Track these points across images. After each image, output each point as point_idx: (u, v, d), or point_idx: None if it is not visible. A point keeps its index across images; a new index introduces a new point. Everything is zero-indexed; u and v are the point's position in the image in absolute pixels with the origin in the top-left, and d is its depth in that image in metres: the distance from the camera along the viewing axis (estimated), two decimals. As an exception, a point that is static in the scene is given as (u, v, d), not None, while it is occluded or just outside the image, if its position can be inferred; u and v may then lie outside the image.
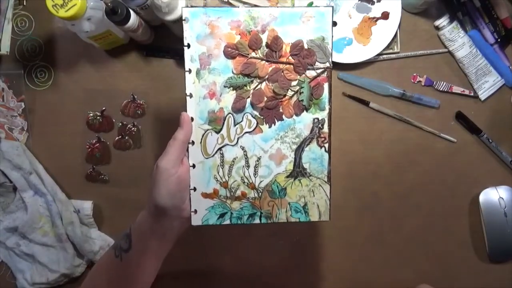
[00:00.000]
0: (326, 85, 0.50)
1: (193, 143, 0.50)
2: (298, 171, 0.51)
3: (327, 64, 0.50)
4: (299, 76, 0.50)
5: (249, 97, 0.50)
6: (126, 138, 0.73)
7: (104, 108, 0.72)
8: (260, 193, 0.51)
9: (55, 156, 0.73)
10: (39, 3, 0.71)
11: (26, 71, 0.72)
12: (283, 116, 0.50)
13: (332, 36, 0.49)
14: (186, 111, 0.50)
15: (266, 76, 0.49)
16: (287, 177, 0.51)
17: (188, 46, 0.49)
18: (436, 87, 0.71)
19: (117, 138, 0.73)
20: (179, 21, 0.63)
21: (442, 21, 0.70)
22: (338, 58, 0.69)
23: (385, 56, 0.71)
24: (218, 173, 0.51)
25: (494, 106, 0.72)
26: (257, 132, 0.50)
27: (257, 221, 0.51)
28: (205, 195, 0.51)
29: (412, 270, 0.73)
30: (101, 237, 0.72)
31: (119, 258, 0.51)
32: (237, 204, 0.51)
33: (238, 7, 0.68)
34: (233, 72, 0.49)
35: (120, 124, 0.73)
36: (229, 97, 0.49)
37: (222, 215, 0.51)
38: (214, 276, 0.74)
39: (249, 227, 0.72)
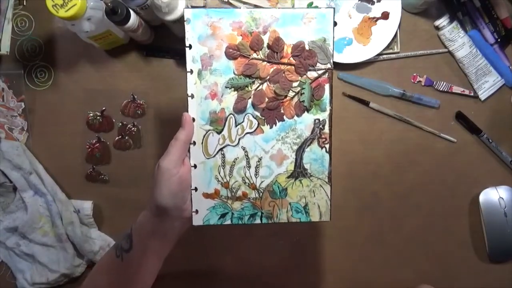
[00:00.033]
0: (327, 86, 0.50)
1: (194, 143, 0.50)
2: (299, 172, 0.51)
3: (328, 65, 0.50)
4: (300, 77, 0.50)
5: (250, 97, 0.50)
6: (126, 138, 0.73)
7: (104, 108, 0.72)
8: (261, 194, 0.51)
9: (55, 156, 0.73)
10: (39, 3, 0.71)
11: (26, 71, 0.72)
12: (284, 117, 0.50)
13: (334, 38, 0.50)
14: (187, 111, 0.50)
15: (268, 77, 0.50)
16: (288, 177, 0.51)
17: (190, 47, 0.49)
18: (436, 87, 0.72)
19: (117, 138, 0.73)
20: (179, 21, 0.63)
21: (442, 21, 0.70)
22: (338, 58, 0.69)
23: (385, 56, 0.71)
24: (219, 173, 0.51)
25: (494, 106, 0.72)
26: (258, 133, 0.51)
27: (258, 221, 0.52)
28: (206, 195, 0.51)
29: (412, 270, 0.73)
30: (101, 237, 0.72)
31: (120, 258, 0.51)
32: (238, 204, 0.51)
33: (238, 7, 0.68)
34: (234, 73, 0.49)
35: (120, 124, 0.73)
36: (231, 97, 0.50)
37: (223, 215, 0.51)
38: (215, 276, 0.74)
39: (250, 227, 0.72)
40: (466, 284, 0.73)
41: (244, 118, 0.50)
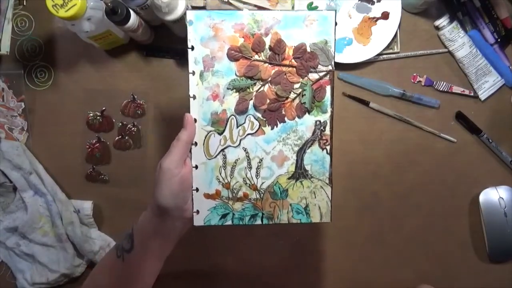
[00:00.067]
0: (328, 88, 0.50)
1: (196, 144, 0.50)
2: (299, 173, 0.51)
3: (330, 67, 0.50)
4: (301, 79, 0.50)
5: (252, 99, 0.50)
6: (126, 138, 0.73)
7: (104, 108, 0.72)
8: (262, 194, 0.52)
9: (55, 156, 0.73)
10: (39, 3, 0.71)
11: (26, 71, 0.72)
12: (286, 118, 0.51)
13: (335, 40, 0.50)
14: (189, 112, 0.50)
15: (269, 79, 0.50)
16: (289, 178, 0.52)
17: (192, 48, 0.49)
18: (436, 87, 0.72)
19: (117, 138, 0.73)
20: (179, 21, 0.63)
21: (442, 21, 0.70)
22: (338, 58, 0.69)
23: (385, 56, 0.71)
24: (220, 174, 0.51)
25: (494, 106, 0.72)
26: (259, 134, 0.51)
27: (258, 222, 0.52)
28: (207, 196, 0.51)
29: (412, 270, 0.73)
30: (101, 237, 0.72)
31: (121, 259, 0.51)
32: (239, 205, 0.52)
33: (238, 7, 0.68)
34: (236, 75, 0.50)
35: (120, 124, 0.73)
36: (232, 99, 0.50)
37: (224, 216, 0.52)
38: (216, 276, 0.74)
39: (250, 228, 0.72)
40: (466, 284, 0.73)
41: (245, 119, 0.50)
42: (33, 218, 0.70)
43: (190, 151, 0.50)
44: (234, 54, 0.49)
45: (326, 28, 0.49)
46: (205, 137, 0.50)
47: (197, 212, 0.51)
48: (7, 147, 0.69)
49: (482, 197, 0.72)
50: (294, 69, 0.50)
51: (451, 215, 0.73)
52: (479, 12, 0.70)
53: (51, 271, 0.70)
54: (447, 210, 0.73)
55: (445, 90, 0.71)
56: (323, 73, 0.50)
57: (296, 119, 0.51)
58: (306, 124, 0.51)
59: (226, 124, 0.50)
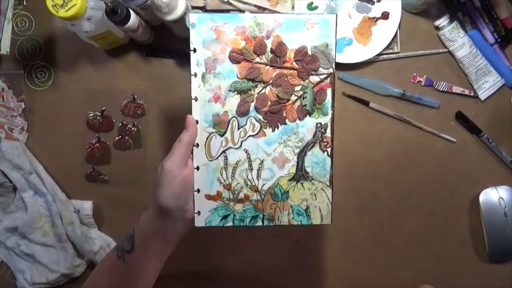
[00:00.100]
0: (329, 91, 0.51)
1: (197, 145, 0.51)
2: (300, 175, 0.52)
3: (331, 70, 0.50)
4: (302, 82, 0.50)
5: (253, 101, 0.50)
6: (126, 138, 0.73)
7: (104, 108, 0.72)
8: (263, 196, 0.52)
9: (55, 156, 0.73)
10: (39, 3, 0.71)
11: (26, 71, 0.72)
12: (287, 120, 0.51)
13: (336, 43, 0.50)
14: (189, 112, 0.50)
15: (270, 81, 0.50)
16: (290, 180, 0.52)
17: (194, 50, 0.50)
18: (436, 87, 0.72)
19: (117, 138, 0.73)
20: (179, 21, 0.63)
21: (442, 21, 0.70)
22: (338, 58, 0.69)
23: (385, 56, 0.71)
24: (221, 175, 0.51)
25: (494, 106, 0.72)
26: (260, 136, 0.51)
27: (259, 223, 0.52)
28: (209, 197, 0.51)
29: (412, 270, 0.73)
30: (101, 237, 0.72)
31: (121, 259, 0.51)
32: (240, 206, 0.52)
33: (238, 7, 0.68)
34: (237, 77, 0.50)
35: (120, 124, 0.73)
36: (234, 101, 0.50)
37: (225, 217, 0.52)
38: (216, 276, 0.74)
39: (251, 228, 0.71)
40: (466, 284, 0.73)
41: (246, 121, 0.51)
42: (33, 218, 0.70)
43: (192, 153, 0.50)
44: (236, 57, 0.50)
45: (327, 32, 0.50)
46: (207, 139, 0.51)
47: (198, 213, 0.51)
48: (7, 147, 0.69)
49: (482, 197, 0.72)
50: (295, 71, 0.50)
51: (451, 215, 0.73)
52: (479, 12, 0.70)
53: (51, 271, 0.70)
54: (447, 210, 0.73)
55: (445, 90, 0.71)
56: (324, 75, 0.50)
57: (297, 121, 0.51)
58: (307, 126, 0.51)
59: (228, 125, 0.51)
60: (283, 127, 0.51)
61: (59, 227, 0.70)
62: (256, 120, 0.51)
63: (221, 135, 0.51)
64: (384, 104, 0.72)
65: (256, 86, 0.50)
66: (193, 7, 0.68)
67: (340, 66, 0.70)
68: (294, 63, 0.50)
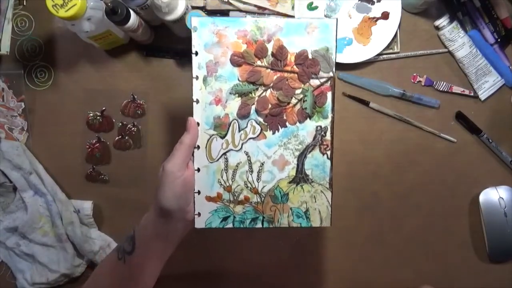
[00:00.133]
0: (329, 94, 0.51)
1: (198, 147, 0.51)
2: (300, 177, 0.52)
3: (331, 74, 0.51)
4: (303, 85, 0.51)
5: (254, 104, 0.51)
6: (126, 138, 0.73)
7: (104, 108, 0.72)
8: (263, 198, 0.52)
9: (55, 156, 0.73)
10: (39, 3, 0.71)
11: (26, 71, 0.72)
12: (287, 123, 0.51)
13: (336, 47, 0.50)
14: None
15: (271, 84, 0.51)
16: (290, 182, 0.52)
17: (196, 54, 0.50)
18: (436, 87, 0.72)
19: (117, 138, 0.73)
20: (179, 21, 0.63)
21: (442, 21, 0.70)
22: (338, 58, 0.68)
23: (385, 56, 0.71)
24: (222, 177, 0.51)
25: (494, 106, 0.72)
26: (261, 138, 0.51)
27: (259, 225, 0.52)
28: (209, 199, 0.52)
29: (412, 270, 0.73)
30: (101, 237, 0.72)
31: (122, 261, 0.51)
32: (240, 208, 0.52)
33: (238, 7, 0.68)
34: (239, 80, 0.50)
35: (120, 124, 0.73)
36: (235, 103, 0.51)
37: (225, 219, 0.52)
38: (216, 276, 0.74)
39: (251, 229, 0.71)
40: (466, 284, 0.73)
41: (247, 124, 0.51)
42: (33, 218, 0.70)
43: (193, 154, 0.51)
44: (237, 60, 0.50)
45: (328, 36, 0.50)
46: (208, 141, 0.51)
47: (199, 214, 0.51)
48: (7, 147, 0.69)
49: (482, 197, 0.72)
50: (296, 75, 0.51)
51: (451, 215, 0.73)
52: (479, 12, 0.70)
53: (51, 271, 0.70)
54: (447, 210, 0.73)
55: (445, 90, 0.71)
56: (324, 79, 0.51)
57: (297, 124, 0.51)
58: (307, 129, 0.51)
59: (228, 128, 0.51)
60: (283, 130, 0.51)
61: (59, 227, 0.70)
62: (256, 122, 0.51)
63: (222, 137, 0.51)
64: (384, 104, 0.72)
65: (257, 89, 0.50)
66: (193, 7, 0.68)
67: (340, 66, 0.70)
68: (294, 66, 0.50)
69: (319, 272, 0.74)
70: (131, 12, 0.62)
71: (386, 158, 0.72)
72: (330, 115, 0.51)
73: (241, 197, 0.52)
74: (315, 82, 0.51)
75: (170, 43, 0.72)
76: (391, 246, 0.73)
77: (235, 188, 0.52)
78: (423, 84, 0.72)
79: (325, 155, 0.52)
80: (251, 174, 0.52)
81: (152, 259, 0.51)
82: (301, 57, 0.50)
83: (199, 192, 0.51)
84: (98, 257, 0.71)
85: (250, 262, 0.73)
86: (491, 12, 0.70)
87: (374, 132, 0.72)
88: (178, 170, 0.48)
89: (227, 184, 0.52)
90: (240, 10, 0.69)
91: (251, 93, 0.50)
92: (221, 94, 0.50)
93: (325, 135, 0.51)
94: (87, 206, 0.72)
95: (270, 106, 0.51)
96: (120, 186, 0.73)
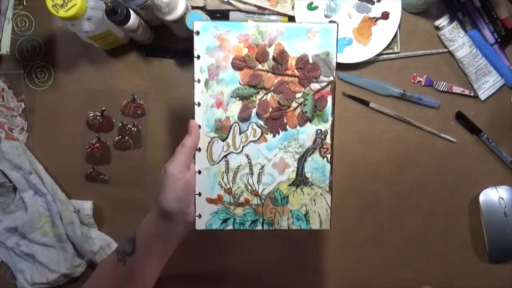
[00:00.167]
0: (329, 98, 0.51)
1: (199, 150, 0.51)
2: (300, 180, 0.52)
3: (331, 78, 0.51)
4: (303, 89, 0.51)
5: (254, 107, 0.51)
6: (126, 138, 0.73)
7: (104, 108, 0.72)
8: (263, 200, 0.52)
9: (55, 156, 0.73)
10: (39, 3, 0.71)
11: (26, 71, 0.72)
12: (287, 127, 0.52)
13: (337, 51, 0.51)
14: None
15: (272, 88, 0.51)
16: (290, 185, 0.52)
17: (198, 57, 0.51)
18: (436, 87, 0.72)
19: (117, 138, 0.73)
20: (179, 21, 0.63)
21: (442, 21, 0.70)
22: (338, 58, 0.69)
23: (385, 56, 0.71)
24: (222, 179, 0.52)
25: (494, 106, 0.72)
26: (261, 141, 0.52)
27: (259, 227, 0.53)
28: (210, 201, 0.52)
29: (412, 270, 0.73)
30: (101, 237, 0.72)
31: (122, 262, 0.52)
32: (240, 210, 0.52)
33: (238, 7, 0.68)
34: (240, 83, 0.51)
35: (120, 124, 0.73)
36: (236, 106, 0.51)
37: (225, 220, 0.52)
38: (216, 276, 0.74)
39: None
40: (466, 284, 0.73)
41: (248, 127, 0.51)
42: (33, 218, 0.70)
43: (194, 157, 0.51)
44: (239, 64, 0.50)
45: (328, 40, 0.51)
46: (209, 143, 0.51)
47: (199, 216, 0.52)
48: (7, 147, 0.69)
49: (482, 197, 0.72)
50: (297, 79, 0.51)
51: (451, 215, 0.73)
52: (479, 12, 0.70)
53: (51, 271, 0.70)
54: (447, 210, 0.73)
55: (445, 90, 0.71)
56: (325, 83, 0.51)
57: (298, 127, 0.52)
58: (307, 133, 0.52)
59: (229, 131, 0.51)
60: (283, 133, 0.52)
61: (59, 227, 0.70)
62: (257, 125, 0.51)
63: (223, 140, 0.51)
64: (384, 104, 0.72)
65: (258, 92, 0.51)
66: (193, 7, 0.68)
67: (340, 66, 0.70)
68: (295, 70, 0.51)
69: (319, 272, 0.74)
70: (131, 12, 0.62)
71: (386, 158, 0.72)
72: (330, 118, 0.52)
73: (242, 199, 0.52)
74: (315, 86, 0.51)
75: (170, 43, 0.72)
76: (391, 246, 0.73)
77: (236, 190, 0.52)
78: (423, 84, 0.72)
79: (325, 159, 0.52)
80: (251, 177, 0.52)
81: (152, 259, 0.52)
82: (302, 61, 0.51)
83: (200, 194, 0.52)
84: (98, 257, 0.71)
85: (250, 262, 0.73)
86: (491, 12, 0.70)
87: (374, 132, 0.72)
88: (179, 172, 0.48)
89: (228, 186, 0.52)
90: (240, 10, 0.69)
91: (252, 97, 0.51)
92: (223, 97, 0.51)
93: (325, 138, 0.52)
94: (87, 206, 0.72)
95: (270, 109, 0.51)
96: (120, 186, 0.73)
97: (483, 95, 0.72)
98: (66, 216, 0.69)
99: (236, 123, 0.51)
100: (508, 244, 0.72)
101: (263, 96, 0.51)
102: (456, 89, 0.71)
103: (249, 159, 0.52)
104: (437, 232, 0.73)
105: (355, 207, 0.73)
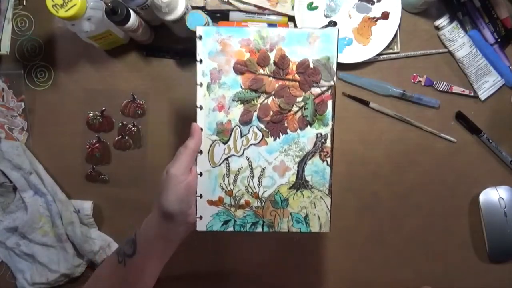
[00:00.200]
0: (330, 102, 0.52)
1: (201, 152, 0.52)
2: (300, 183, 0.53)
3: (331, 83, 0.52)
4: (304, 93, 0.52)
5: (256, 111, 0.52)
6: (126, 138, 0.73)
7: (104, 108, 0.72)
8: (263, 203, 0.53)
9: (55, 156, 0.73)
10: (39, 3, 0.71)
11: (26, 71, 0.72)
12: (288, 130, 0.52)
13: (337, 56, 0.51)
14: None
15: (273, 92, 0.52)
16: (290, 188, 0.53)
17: (201, 61, 0.51)
18: (436, 87, 0.72)
19: (117, 138, 0.73)
20: (179, 21, 0.63)
21: (442, 21, 0.70)
22: (338, 58, 0.69)
23: (385, 56, 0.71)
24: (223, 181, 0.52)
25: (494, 106, 0.72)
26: (262, 144, 0.52)
27: (259, 229, 0.53)
28: (211, 202, 0.52)
29: (412, 270, 0.73)
30: (101, 237, 0.72)
31: (122, 263, 0.52)
32: (240, 212, 0.53)
33: (238, 7, 0.68)
34: (241, 87, 0.51)
35: (120, 124, 0.73)
36: (237, 110, 0.52)
37: (226, 222, 0.53)
38: (216, 276, 0.74)
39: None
40: (466, 284, 0.73)
41: (249, 130, 0.52)
42: (33, 218, 0.70)
43: (196, 159, 0.51)
44: (240, 68, 0.51)
45: (329, 46, 0.51)
46: (210, 146, 0.52)
47: (200, 217, 0.52)
48: (7, 147, 0.69)
49: (482, 197, 0.72)
50: (297, 83, 0.51)
51: (451, 215, 0.73)
52: (479, 12, 0.70)
53: (51, 271, 0.70)
54: (447, 210, 0.73)
55: (445, 90, 0.71)
56: (325, 88, 0.52)
57: (298, 131, 0.52)
58: (307, 136, 0.52)
59: (231, 134, 0.52)
60: (284, 137, 0.52)
61: (59, 227, 0.70)
62: (258, 129, 0.52)
63: (224, 143, 0.52)
64: (384, 104, 0.72)
65: (259, 96, 0.51)
66: (193, 7, 0.68)
67: (340, 66, 0.70)
68: (296, 75, 0.51)
69: (319, 272, 0.74)
70: (131, 12, 0.62)
71: (386, 158, 0.72)
72: (330, 122, 0.52)
73: (242, 201, 0.53)
74: (316, 90, 0.51)
75: (170, 43, 0.72)
76: (391, 246, 0.73)
77: (236, 193, 0.52)
78: (423, 84, 0.72)
79: (325, 162, 0.52)
80: (252, 179, 0.52)
81: (153, 260, 0.52)
82: (303, 66, 0.51)
83: (201, 196, 0.52)
84: (98, 257, 0.71)
85: (250, 262, 0.73)
86: (491, 12, 0.70)
87: (374, 132, 0.72)
88: (181, 174, 0.49)
89: (229, 189, 0.52)
90: (240, 10, 0.69)
91: (253, 100, 0.51)
92: (224, 101, 0.51)
93: (325, 142, 0.52)
94: (87, 206, 0.72)
95: (271, 113, 0.52)
96: (120, 186, 0.73)
97: (483, 95, 0.72)
98: (66, 216, 0.69)
99: (237, 126, 0.52)
100: (508, 244, 0.72)
101: (264, 100, 0.52)
102: (456, 89, 0.71)
103: (250, 162, 0.52)
104: (437, 232, 0.73)
105: (355, 207, 0.73)
